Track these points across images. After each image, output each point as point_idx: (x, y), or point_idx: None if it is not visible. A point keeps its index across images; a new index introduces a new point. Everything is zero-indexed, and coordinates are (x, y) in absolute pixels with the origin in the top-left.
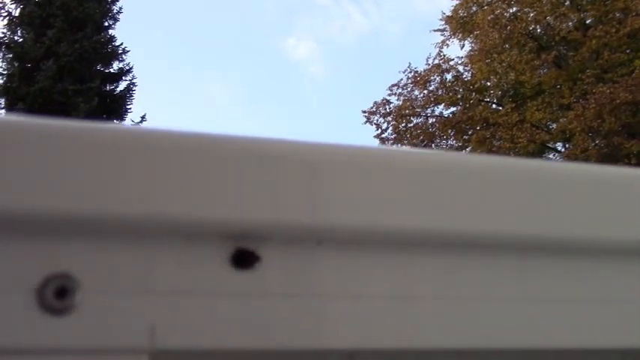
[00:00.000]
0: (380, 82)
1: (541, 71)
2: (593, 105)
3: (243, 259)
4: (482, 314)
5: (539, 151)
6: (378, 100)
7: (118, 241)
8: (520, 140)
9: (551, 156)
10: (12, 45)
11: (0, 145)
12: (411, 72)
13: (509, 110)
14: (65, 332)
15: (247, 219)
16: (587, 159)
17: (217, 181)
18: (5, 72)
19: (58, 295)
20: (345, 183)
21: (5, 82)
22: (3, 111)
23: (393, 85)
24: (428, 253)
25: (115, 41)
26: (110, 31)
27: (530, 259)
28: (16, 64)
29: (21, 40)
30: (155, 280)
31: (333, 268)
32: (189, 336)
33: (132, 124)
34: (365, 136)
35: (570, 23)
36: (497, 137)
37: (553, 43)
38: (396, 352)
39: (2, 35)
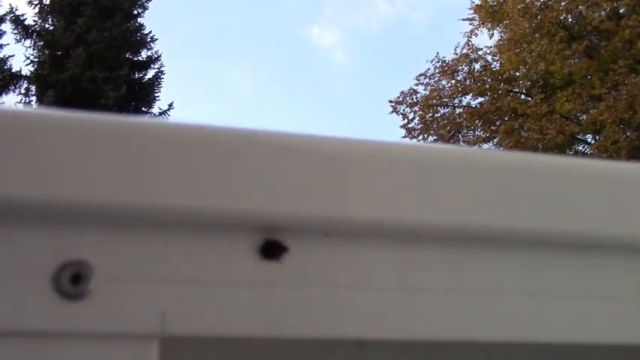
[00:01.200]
0: (405, 70)
1: (572, 61)
2: (625, 96)
3: (271, 250)
4: (490, 307)
5: (569, 142)
6: (404, 89)
7: (133, 231)
8: (549, 131)
9: (580, 148)
10: (43, 33)
11: (20, 137)
12: (438, 61)
13: (538, 101)
14: (79, 317)
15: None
16: (617, 151)
17: (242, 174)
18: (36, 59)
19: (73, 281)
20: (370, 178)
21: (36, 70)
22: (34, 98)
23: (420, 75)
24: (447, 247)
25: (143, 29)
26: (139, 20)
27: (541, 253)
28: (47, 52)
29: (52, 27)
30: (167, 268)
31: (353, 260)
32: (200, 323)
33: (159, 112)
34: (391, 126)
35: (603, 12)
36: (525, 128)
37: (584, 33)
38: (412, 343)
39: (33, 23)
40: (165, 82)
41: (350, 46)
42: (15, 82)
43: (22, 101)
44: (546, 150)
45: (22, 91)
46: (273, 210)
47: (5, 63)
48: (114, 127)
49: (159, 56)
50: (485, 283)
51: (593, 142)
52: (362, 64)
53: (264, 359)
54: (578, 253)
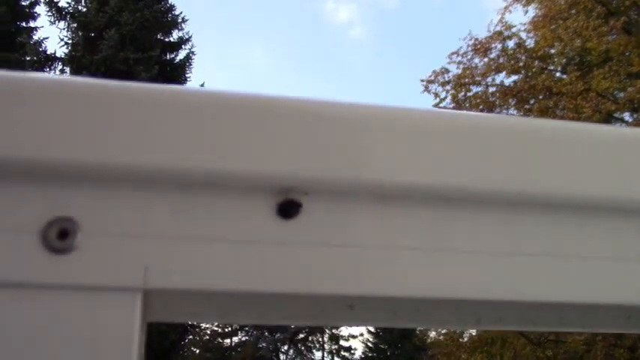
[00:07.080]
0: (428, 45)
1: (609, 38)
2: None
3: (288, 208)
4: (471, 266)
5: (605, 121)
6: (428, 65)
7: (119, 189)
8: (584, 110)
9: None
10: (76, 14)
11: (11, 98)
12: (471, 39)
13: (573, 79)
14: (65, 270)
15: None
16: None
17: (225, 132)
18: (70, 41)
19: (60, 236)
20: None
21: (70, 51)
22: None
23: (453, 53)
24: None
25: (174, 10)
26: (170, 0)
27: (521, 214)
28: (80, 34)
29: (84, 9)
30: (151, 224)
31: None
32: (181, 277)
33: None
34: (422, 104)
35: None
36: (560, 107)
37: (623, 8)
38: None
39: (67, 5)
40: (196, 62)
41: (367, 20)
42: (50, 63)
43: None
44: None
45: (57, 72)
46: (261, 167)
47: (40, 45)
48: (109, 89)
49: (190, 37)
50: (467, 242)
51: (630, 120)
52: (380, 39)
53: (247, 312)
54: (557, 213)
